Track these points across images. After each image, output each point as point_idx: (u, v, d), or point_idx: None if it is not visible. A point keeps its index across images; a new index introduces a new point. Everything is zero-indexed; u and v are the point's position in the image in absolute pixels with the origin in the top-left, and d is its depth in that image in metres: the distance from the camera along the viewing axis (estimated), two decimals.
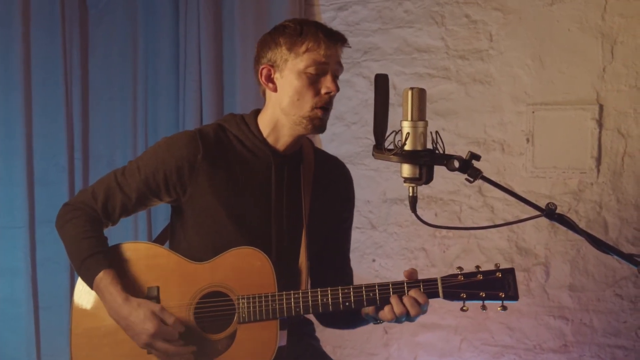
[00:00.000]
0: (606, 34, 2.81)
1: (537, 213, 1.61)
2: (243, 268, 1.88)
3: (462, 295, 1.81)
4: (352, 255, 2.20)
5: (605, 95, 2.83)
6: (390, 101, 1.69)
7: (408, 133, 1.62)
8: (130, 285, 1.89)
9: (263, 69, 1.93)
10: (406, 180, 1.66)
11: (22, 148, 3.19)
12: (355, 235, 2.34)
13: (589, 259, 2.87)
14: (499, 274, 1.82)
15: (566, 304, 2.92)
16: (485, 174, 1.62)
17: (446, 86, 3.07)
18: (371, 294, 1.83)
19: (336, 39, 1.89)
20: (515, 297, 1.81)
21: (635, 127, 2.79)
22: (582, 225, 2.62)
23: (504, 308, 1.80)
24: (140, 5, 3.40)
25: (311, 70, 1.86)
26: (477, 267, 1.85)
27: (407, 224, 3.15)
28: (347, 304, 1.84)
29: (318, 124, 1.90)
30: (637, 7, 2.77)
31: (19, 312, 3.21)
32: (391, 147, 1.65)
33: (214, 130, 1.97)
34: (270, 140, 1.97)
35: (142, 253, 1.95)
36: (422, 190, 2.98)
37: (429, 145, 1.64)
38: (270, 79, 1.93)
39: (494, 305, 1.82)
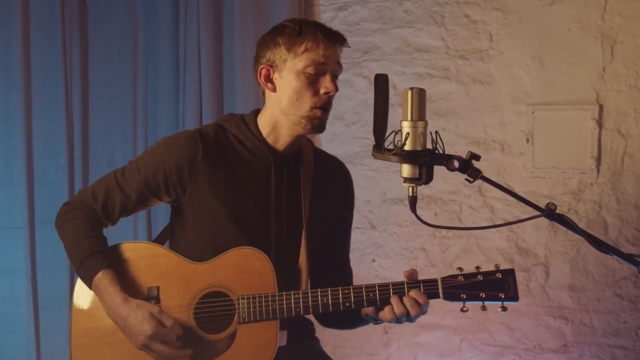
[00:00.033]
0: (606, 34, 2.81)
1: (537, 213, 1.61)
2: (243, 268, 1.88)
3: (462, 295, 1.81)
4: (351, 255, 2.20)
5: (605, 95, 2.83)
6: (390, 101, 1.69)
7: (408, 133, 1.62)
8: (130, 285, 1.89)
9: (262, 69, 1.93)
10: (406, 180, 1.66)
11: (22, 148, 3.19)
12: (355, 235, 2.35)
13: (589, 259, 2.87)
14: (499, 275, 1.82)
15: (566, 304, 2.92)
16: (485, 174, 1.62)
17: (446, 86, 3.07)
18: (371, 295, 1.83)
19: (335, 39, 1.89)
20: (515, 297, 1.81)
21: (635, 127, 2.79)
22: (582, 225, 2.63)
23: (504, 309, 1.81)
24: (140, 5, 3.40)
25: (310, 70, 1.86)
26: (477, 267, 1.85)
27: (407, 224, 3.15)
28: (347, 304, 1.84)
29: (317, 123, 1.90)
30: (637, 7, 2.77)
31: (18, 312, 3.21)
32: (391, 147, 1.65)
33: (214, 130, 1.97)
34: (269, 140, 1.97)
35: (142, 253, 1.95)
36: (422, 190, 2.98)
37: (429, 145, 1.64)
38: (269, 79, 1.93)
39: (494, 306, 1.82)
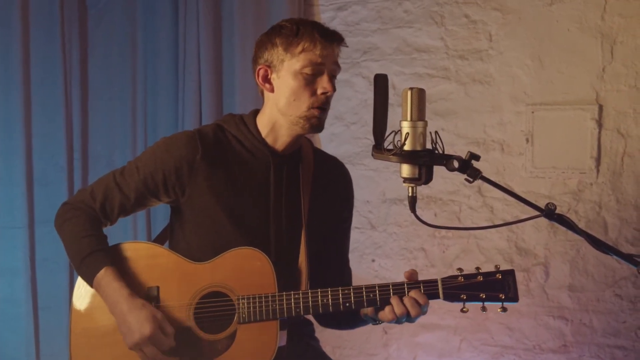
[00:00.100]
0: (606, 34, 2.81)
1: (537, 213, 1.61)
2: (243, 268, 1.88)
3: (462, 296, 1.81)
4: (351, 256, 2.20)
5: (604, 95, 2.83)
6: (390, 101, 1.69)
7: (407, 133, 1.62)
8: (130, 285, 1.88)
9: (260, 69, 1.93)
10: (405, 180, 1.66)
11: (21, 148, 3.19)
12: (354, 235, 2.35)
13: (589, 259, 2.87)
14: (499, 276, 1.82)
15: (566, 304, 2.92)
16: (484, 174, 1.62)
17: (445, 86, 3.07)
18: (371, 295, 1.83)
19: (332, 39, 1.89)
20: (515, 298, 1.81)
21: (634, 127, 2.79)
22: (581, 225, 2.63)
23: (504, 309, 1.81)
24: (139, 5, 3.40)
25: (307, 70, 1.86)
26: (477, 268, 1.85)
27: (406, 224, 3.15)
28: (347, 304, 1.84)
29: (315, 123, 1.90)
30: (637, 7, 2.77)
31: (18, 312, 3.21)
32: (390, 147, 1.65)
33: (213, 131, 1.97)
34: (268, 140, 1.97)
35: (142, 253, 1.95)
36: (422, 190, 2.98)
37: (429, 146, 1.64)
38: (267, 80, 1.93)
39: (494, 306, 1.82)
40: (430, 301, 1.82)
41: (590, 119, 2.83)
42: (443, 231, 3.09)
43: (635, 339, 2.82)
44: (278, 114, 1.92)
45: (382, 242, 3.21)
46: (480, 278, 1.82)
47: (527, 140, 2.94)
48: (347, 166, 2.18)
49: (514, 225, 2.97)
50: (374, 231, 3.22)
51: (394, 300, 1.81)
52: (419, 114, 1.63)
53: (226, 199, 1.93)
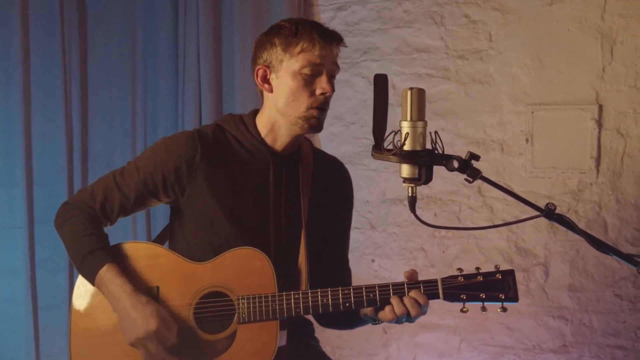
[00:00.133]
0: (605, 34, 2.81)
1: (537, 213, 1.61)
2: (243, 268, 1.88)
3: (462, 296, 1.81)
4: (351, 256, 2.20)
5: (604, 95, 2.83)
6: (390, 101, 1.69)
7: (407, 133, 1.62)
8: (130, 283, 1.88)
9: (259, 69, 1.93)
10: (405, 180, 1.66)
11: (21, 148, 3.19)
12: (354, 235, 2.34)
13: (589, 259, 2.87)
14: (499, 276, 1.82)
15: (565, 304, 2.92)
16: (484, 174, 1.62)
17: (445, 86, 3.07)
18: (371, 295, 1.83)
19: (332, 39, 1.88)
20: (515, 298, 1.81)
21: (634, 127, 2.79)
22: (581, 225, 2.63)
23: (504, 309, 1.81)
24: (139, 5, 3.40)
25: (306, 71, 1.86)
26: (477, 268, 1.85)
27: (406, 224, 3.15)
28: (347, 304, 1.84)
29: (314, 123, 1.90)
30: (637, 7, 2.77)
31: (18, 312, 3.21)
32: (390, 147, 1.65)
33: (213, 131, 1.97)
34: (268, 140, 1.97)
35: (142, 253, 1.94)
36: (422, 190, 2.98)
37: (428, 146, 1.64)
38: (266, 80, 1.93)
39: (493, 306, 1.82)
40: (430, 301, 1.82)
41: (590, 119, 2.83)
42: (443, 231, 3.09)
43: (635, 339, 2.82)
44: (277, 114, 1.92)
45: (382, 242, 3.21)
46: (480, 278, 1.82)
47: (527, 140, 2.94)
48: (347, 166, 2.18)
49: (513, 226, 2.97)
50: (373, 231, 3.22)
51: (394, 300, 1.81)
52: (419, 114, 1.63)
53: (226, 199, 1.93)
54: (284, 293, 1.85)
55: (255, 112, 2.01)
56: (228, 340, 1.86)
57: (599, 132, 2.83)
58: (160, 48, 3.38)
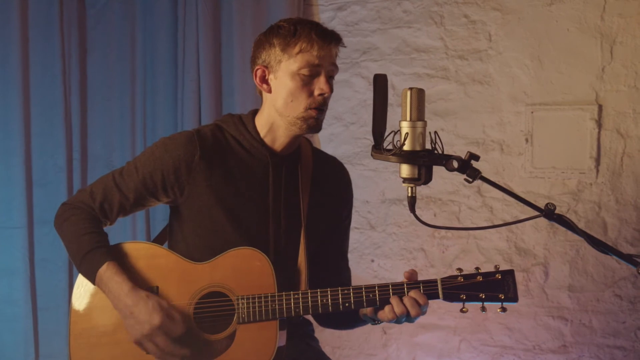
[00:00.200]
0: (605, 34, 2.81)
1: (536, 213, 1.61)
2: (243, 268, 1.88)
3: (461, 296, 1.81)
4: (350, 256, 2.20)
5: (604, 95, 2.83)
6: (389, 101, 1.69)
7: (407, 133, 1.62)
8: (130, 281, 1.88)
9: (258, 70, 1.93)
10: (405, 180, 1.66)
11: (21, 148, 3.19)
12: (354, 235, 2.35)
13: (588, 259, 2.87)
14: (498, 276, 1.82)
15: (565, 305, 2.92)
16: (484, 174, 1.62)
17: (445, 86, 3.07)
18: (371, 295, 1.83)
19: (330, 39, 1.88)
20: (514, 298, 1.81)
21: (634, 128, 2.79)
22: (581, 225, 2.63)
23: (504, 309, 1.81)
24: (138, 6, 3.40)
25: (304, 71, 1.86)
26: (477, 268, 1.85)
27: (406, 224, 3.15)
28: (346, 304, 1.84)
29: (313, 123, 1.89)
30: (636, 7, 2.77)
31: (17, 312, 3.21)
32: (390, 147, 1.65)
33: (212, 131, 1.97)
34: (267, 140, 1.96)
35: (141, 253, 1.94)
36: (421, 190, 2.98)
37: (428, 146, 1.64)
38: (264, 80, 1.92)
39: (493, 306, 1.82)
40: (430, 301, 1.82)
41: (590, 119, 2.83)
42: (442, 231, 3.09)
43: (635, 339, 2.82)
44: (276, 114, 1.92)
45: (382, 243, 3.21)
46: (479, 278, 1.82)
47: (527, 141, 2.94)
48: (347, 166, 2.18)
49: (513, 226, 2.97)
50: (373, 231, 3.22)
51: (393, 300, 1.81)
52: (419, 114, 1.63)
53: (225, 199, 1.93)
54: (284, 293, 1.85)
55: (255, 112, 2.01)
56: (227, 340, 1.86)
57: (599, 132, 2.83)
58: (160, 48, 3.38)
